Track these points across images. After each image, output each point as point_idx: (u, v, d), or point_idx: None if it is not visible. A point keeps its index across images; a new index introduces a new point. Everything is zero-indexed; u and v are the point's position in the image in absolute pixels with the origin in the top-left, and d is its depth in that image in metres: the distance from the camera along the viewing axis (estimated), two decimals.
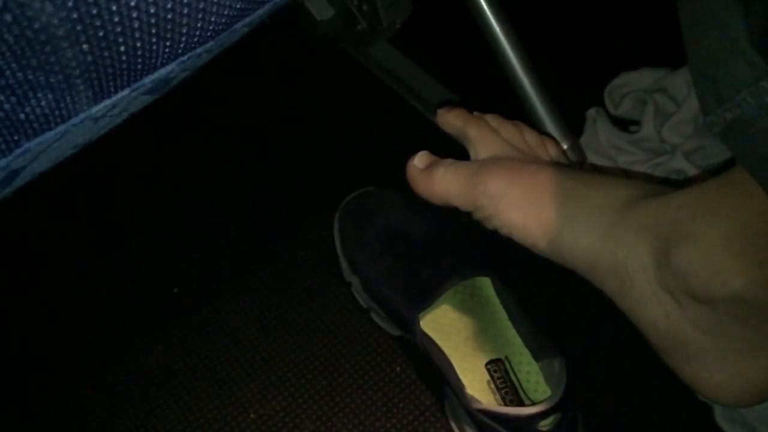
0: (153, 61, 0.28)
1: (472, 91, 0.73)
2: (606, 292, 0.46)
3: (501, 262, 0.57)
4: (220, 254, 0.68)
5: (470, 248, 0.59)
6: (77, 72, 0.26)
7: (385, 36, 0.78)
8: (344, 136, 0.74)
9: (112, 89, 0.29)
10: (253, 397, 0.59)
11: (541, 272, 0.53)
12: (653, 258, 0.43)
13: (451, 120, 0.55)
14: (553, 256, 0.48)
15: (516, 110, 0.63)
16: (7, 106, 0.25)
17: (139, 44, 0.27)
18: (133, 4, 0.25)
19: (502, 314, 0.57)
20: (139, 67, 0.28)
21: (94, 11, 0.24)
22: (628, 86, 0.71)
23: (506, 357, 0.56)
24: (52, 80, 0.26)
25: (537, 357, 0.55)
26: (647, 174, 0.65)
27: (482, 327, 0.57)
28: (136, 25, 0.26)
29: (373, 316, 0.61)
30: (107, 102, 0.29)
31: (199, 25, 0.28)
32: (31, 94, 0.26)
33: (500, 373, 0.55)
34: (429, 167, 0.53)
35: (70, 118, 0.28)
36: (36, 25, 0.23)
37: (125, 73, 0.28)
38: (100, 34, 0.25)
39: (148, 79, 0.30)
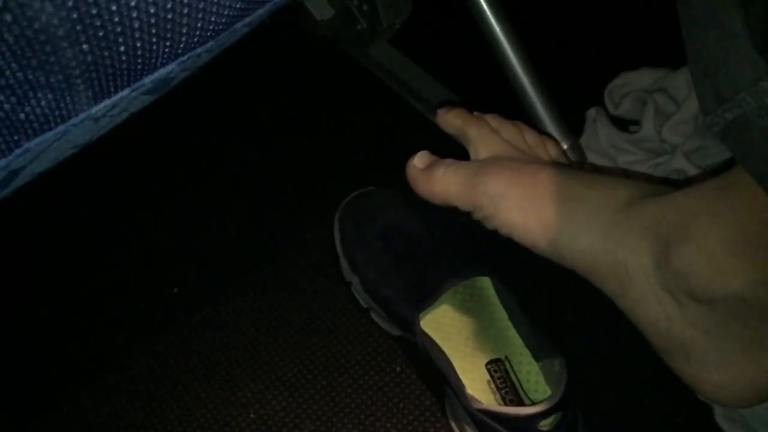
0: (153, 61, 0.28)
1: (472, 91, 0.73)
2: (606, 292, 0.46)
3: (501, 262, 0.57)
4: (220, 254, 0.68)
5: (470, 248, 0.59)
6: (77, 72, 0.26)
7: (385, 36, 0.78)
8: (344, 136, 0.74)
9: (112, 89, 0.29)
10: (253, 397, 0.59)
11: (541, 272, 0.53)
12: (653, 258, 0.43)
13: (451, 120, 0.55)
14: (553, 256, 0.48)
15: (516, 110, 0.63)
16: (7, 106, 0.25)
17: (139, 44, 0.27)
18: (133, 4, 0.25)
19: (502, 314, 0.57)
20: (139, 67, 0.28)
21: (94, 11, 0.24)
22: (628, 86, 0.71)
23: (506, 357, 0.56)
24: (52, 80, 0.26)
25: (537, 357, 0.55)
26: (647, 174, 0.65)
27: (482, 327, 0.57)
28: (136, 25, 0.26)
29: (373, 316, 0.61)
30: (107, 102, 0.29)
31: (199, 25, 0.28)
32: (31, 94, 0.26)
33: (500, 373, 0.55)
34: (429, 167, 0.53)
35: (70, 118, 0.28)
36: (36, 25, 0.23)
37: (125, 73, 0.28)
38: (100, 34, 0.25)
39: (148, 79, 0.30)
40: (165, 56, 0.29)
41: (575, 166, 0.63)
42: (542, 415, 0.49)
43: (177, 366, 0.61)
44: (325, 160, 0.73)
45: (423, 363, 0.57)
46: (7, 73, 0.24)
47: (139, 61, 0.28)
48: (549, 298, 0.61)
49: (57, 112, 0.27)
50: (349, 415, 0.58)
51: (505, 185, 0.49)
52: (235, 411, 0.59)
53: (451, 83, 0.75)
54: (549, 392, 0.53)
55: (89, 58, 0.26)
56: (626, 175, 0.65)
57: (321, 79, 0.79)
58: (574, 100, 0.70)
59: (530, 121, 0.63)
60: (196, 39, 0.29)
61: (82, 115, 0.29)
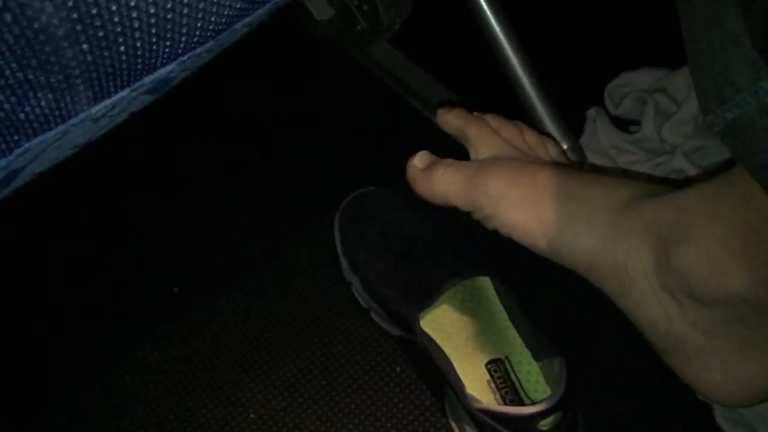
0: (153, 61, 0.28)
1: (472, 91, 0.73)
2: (606, 292, 0.46)
3: (501, 262, 0.57)
4: (220, 254, 0.68)
5: (470, 248, 0.59)
6: (77, 72, 0.26)
7: (385, 36, 0.78)
8: (344, 136, 0.74)
9: (112, 89, 0.29)
10: (253, 397, 0.59)
11: (541, 272, 0.53)
12: (653, 258, 0.43)
13: (451, 120, 0.55)
14: (553, 256, 0.48)
15: (516, 110, 0.63)
16: (7, 106, 0.25)
17: (139, 44, 0.27)
18: (133, 4, 0.25)
19: (502, 314, 0.57)
20: (139, 67, 0.28)
21: (94, 11, 0.24)
22: (628, 86, 0.71)
23: (506, 357, 0.56)
24: (52, 80, 0.26)
25: (537, 357, 0.55)
26: (647, 174, 0.65)
27: (482, 327, 0.57)
28: (136, 25, 0.26)
29: (373, 316, 0.61)
30: (107, 102, 0.29)
31: (199, 25, 0.28)
32: (31, 94, 0.26)
33: (500, 372, 0.55)
34: (429, 167, 0.53)
35: (70, 118, 0.28)
36: (36, 25, 0.23)
37: (125, 73, 0.28)
38: (100, 34, 0.25)
39: (148, 79, 0.30)
40: (165, 56, 0.29)
41: (575, 166, 0.63)
42: (542, 414, 0.49)
43: (177, 366, 0.61)
44: (325, 160, 0.73)
45: (423, 363, 0.57)
46: (7, 73, 0.24)
47: (139, 61, 0.28)
48: (549, 298, 0.61)
49: (57, 112, 0.27)
50: (349, 415, 0.58)
51: (505, 185, 0.49)
52: (235, 411, 0.59)
53: (451, 83, 0.75)
54: (549, 392, 0.53)
55: (89, 58, 0.26)
56: (626, 175, 0.65)
57: (321, 79, 0.79)
58: (574, 100, 0.70)
59: (530, 121, 0.63)
60: (196, 39, 0.29)
61: (82, 115, 0.29)
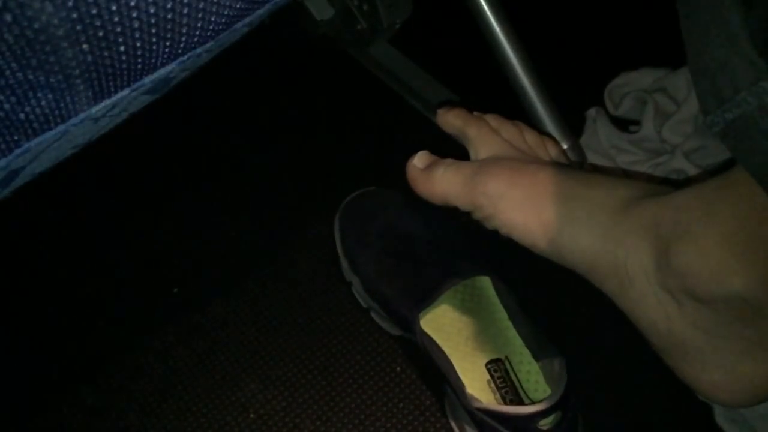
0: (153, 61, 0.28)
1: (472, 91, 0.73)
2: (606, 292, 0.46)
3: (501, 262, 0.57)
4: (220, 254, 0.68)
5: (470, 248, 0.59)
6: (77, 72, 0.26)
7: (385, 36, 0.78)
8: (344, 136, 0.74)
9: (112, 89, 0.29)
10: (253, 397, 0.59)
11: (541, 272, 0.53)
12: (653, 258, 0.43)
13: (451, 120, 0.55)
14: (553, 256, 0.48)
15: (516, 110, 0.63)
16: (7, 106, 0.25)
17: (139, 44, 0.27)
18: (133, 4, 0.25)
19: (502, 314, 0.57)
20: (139, 67, 0.28)
21: (94, 11, 0.24)
22: (628, 86, 0.71)
23: (506, 357, 0.56)
24: (52, 80, 0.26)
25: (537, 357, 0.55)
26: (647, 174, 0.65)
27: (482, 327, 0.57)
28: (136, 25, 0.26)
29: (373, 315, 0.61)
30: (107, 102, 0.29)
31: (199, 25, 0.28)
32: (31, 94, 0.26)
33: (500, 372, 0.55)
34: (429, 167, 0.53)
35: (70, 118, 0.28)
36: (36, 25, 0.23)
37: (125, 73, 0.28)
38: (100, 34, 0.25)
39: (148, 79, 0.30)
40: (165, 56, 0.29)
41: (575, 166, 0.63)
42: (542, 414, 0.49)
43: (177, 366, 0.61)
44: (325, 160, 0.73)
45: (423, 363, 0.57)
46: (7, 73, 0.24)
47: (139, 61, 0.28)
48: (549, 298, 0.61)
49: (57, 112, 0.27)
50: (348, 415, 0.58)
51: (505, 185, 0.49)
52: (235, 411, 0.59)
53: (451, 83, 0.75)
54: (549, 392, 0.53)
55: (89, 58, 0.26)
56: (626, 175, 0.65)
57: (321, 79, 0.79)
58: (574, 100, 0.70)
59: (530, 121, 0.63)
60: (196, 39, 0.29)
61: (82, 115, 0.29)
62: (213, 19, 0.29)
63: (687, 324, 0.42)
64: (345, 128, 0.75)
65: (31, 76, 0.25)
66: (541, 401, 0.49)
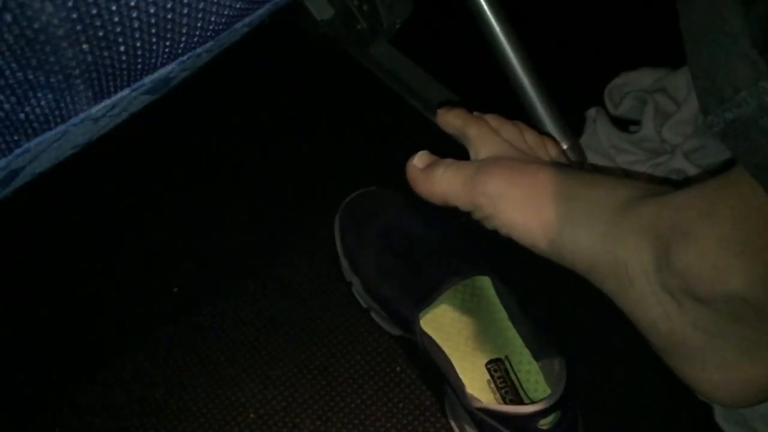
0: (153, 61, 0.28)
1: (472, 91, 0.73)
2: (606, 292, 0.46)
3: (501, 262, 0.57)
4: (220, 254, 0.68)
5: (470, 248, 0.59)
6: (77, 72, 0.26)
7: (385, 36, 0.78)
8: (344, 136, 0.74)
9: (112, 89, 0.29)
10: (253, 397, 0.59)
11: (541, 272, 0.53)
12: (653, 258, 0.43)
13: (451, 120, 0.55)
14: (553, 256, 0.48)
15: (516, 110, 0.63)
16: (7, 106, 0.25)
17: (139, 44, 0.27)
18: (133, 4, 0.25)
19: (502, 314, 0.57)
20: (139, 67, 0.28)
21: (94, 11, 0.24)
22: (628, 86, 0.71)
23: (506, 356, 0.56)
24: (52, 80, 0.26)
25: (537, 357, 0.55)
26: (647, 174, 0.65)
27: (482, 326, 0.57)
28: (136, 25, 0.26)
29: (373, 315, 0.61)
30: (107, 102, 0.29)
31: (199, 25, 0.28)
32: (31, 94, 0.26)
33: (500, 372, 0.55)
34: (429, 167, 0.53)
35: (70, 118, 0.28)
36: (36, 25, 0.23)
37: (125, 73, 0.28)
38: (100, 34, 0.25)
39: (148, 79, 0.30)
40: (165, 56, 0.29)
41: (575, 166, 0.63)
42: (542, 413, 0.49)
43: (177, 366, 0.61)
44: (325, 160, 0.73)
45: (423, 363, 0.57)
46: (7, 73, 0.24)
47: (139, 61, 0.28)
48: (549, 298, 0.61)
49: (57, 112, 0.27)
50: (348, 414, 0.58)
51: (505, 185, 0.49)
52: (235, 411, 0.59)
53: (451, 83, 0.75)
54: (549, 392, 0.53)
55: (89, 58, 0.26)
56: (626, 175, 0.65)
57: (321, 79, 0.79)
58: (574, 100, 0.70)
59: (530, 121, 0.63)
60: (196, 39, 0.29)
61: (82, 115, 0.29)
62: (213, 19, 0.29)
63: (687, 324, 0.43)
64: (345, 128, 0.75)
65: (31, 76, 0.25)
66: (541, 401, 0.49)
